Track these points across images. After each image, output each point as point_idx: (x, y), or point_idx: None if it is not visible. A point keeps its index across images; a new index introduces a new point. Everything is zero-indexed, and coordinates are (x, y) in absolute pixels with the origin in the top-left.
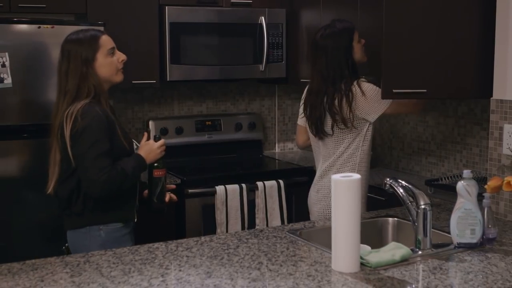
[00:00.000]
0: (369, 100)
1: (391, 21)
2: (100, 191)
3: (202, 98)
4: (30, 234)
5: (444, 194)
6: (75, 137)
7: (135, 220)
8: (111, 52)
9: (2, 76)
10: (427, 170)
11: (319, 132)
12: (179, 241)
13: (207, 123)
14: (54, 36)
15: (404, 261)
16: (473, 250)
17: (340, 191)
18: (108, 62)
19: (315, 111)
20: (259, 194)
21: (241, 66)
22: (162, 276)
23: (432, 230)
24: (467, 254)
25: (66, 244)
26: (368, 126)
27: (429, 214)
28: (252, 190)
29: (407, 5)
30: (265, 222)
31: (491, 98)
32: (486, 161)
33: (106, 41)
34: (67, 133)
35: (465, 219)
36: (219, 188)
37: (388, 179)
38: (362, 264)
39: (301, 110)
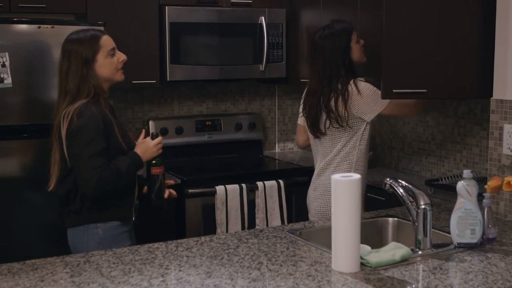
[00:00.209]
0: (365, 99)
1: (391, 21)
2: (94, 190)
3: (202, 98)
4: (30, 234)
5: (444, 194)
6: (71, 137)
7: (133, 218)
8: (112, 53)
9: (2, 76)
10: (427, 170)
11: (316, 131)
12: (179, 241)
13: (207, 123)
14: (54, 36)
15: (404, 261)
16: (473, 250)
17: (340, 191)
18: (108, 63)
19: (312, 111)
20: (259, 194)
21: (241, 66)
22: (162, 276)
23: (432, 230)
24: (467, 254)
25: None
26: (366, 126)
27: (429, 214)
28: (252, 190)
29: (407, 5)
30: (265, 222)
31: (491, 98)
32: (486, 161)
33: (106, 41)
34: (63, 132)
35: (465, 219)
36: (219, 188)
37: (388, 179)
38: (362, 264)
39: (301, 109)
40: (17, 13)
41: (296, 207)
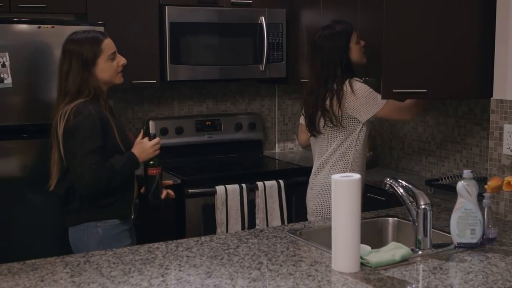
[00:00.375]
0: (359, 99)
1: (391, 21)
2: (87, 187)
3: (202, 98)
4: (30, 234)
5: (444, 194)
6: (67, 135)
7: (133, 216)
8: (112, 57)
9: (2, 76)
10: (427, 170)
11: (313, 129)
12: (179, 241)
13: (207, 123)
14: (54, 36)
15: (404, 261)
16: (473, 250)
17: (340, 191)
18: (109, 67)
19: (309, 110)
20: (259, 194)
21: (241, 66)
22: (162, 276)
23: (432, 230)
24: (467, 254)
25: None
26: (362, 127)
27: (429, 214)
28: (252, 190)
29: (407, 5)
30: (265, 222)
31: (491, 98)
32: (486, 161)
33: (108, 45)
34: (60, 131)
35: (465, 219)
36: (219, 188)
37: (388, 179)
38: (362, 264)
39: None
40: (17, 13)
41: (296, 207)
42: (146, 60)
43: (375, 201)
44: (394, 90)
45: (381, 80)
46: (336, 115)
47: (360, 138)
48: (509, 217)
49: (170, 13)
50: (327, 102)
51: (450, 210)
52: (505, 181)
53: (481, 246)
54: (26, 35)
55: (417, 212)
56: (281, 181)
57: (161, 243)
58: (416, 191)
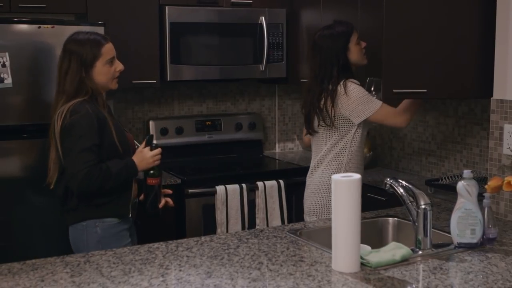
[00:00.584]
0: (352, 101)
1: (391, 21)
2: (79, 185)
3: (202, 98)
4: (30, 234)
5: (444, 194)
6: (63, 133)
7: (130, 215)
8: (110, 62)
9: (2, 76)
10: (427, 170)
11: (309, 128)
12: (179, 241)
13: (207, 123)
14: (54, 36)
15: (404, 261)
16: (473, 250)
17: (340, 191)
18: (106, 71)
19: (306, 108)
20: (259, 194)
21: (241, 66)
22: (162, 276)
23: (432, 230)
24: (467, 254)
25: None
26: (357, 129)
27: (429, 214)
28: (252, 190)
29: (407, 5)
30: (265, 222)
31: (491, 98)
32: (486, 161)
33: (108, 50)
34: (57, 130)
35: (466, 219)
36: (219, 188)
37: (388, 179)
38: (362, 264)
39: None
40: (17, 13)
41: (296, 207)
42: (146, 60)
43: (375, 201)
44: (394, 90)
45: (381, 80)
46: (330, 115)
47: (355, 140)
48: (509, 217)
49: (170, 13)
50: (322, 102)
51: (450, 210)
52: (505, 181)
53: (481, 246)
54: (26, 35)
55: (417, 212)
56: (281, 181)
57: (161, 243)
58: (416, 191)
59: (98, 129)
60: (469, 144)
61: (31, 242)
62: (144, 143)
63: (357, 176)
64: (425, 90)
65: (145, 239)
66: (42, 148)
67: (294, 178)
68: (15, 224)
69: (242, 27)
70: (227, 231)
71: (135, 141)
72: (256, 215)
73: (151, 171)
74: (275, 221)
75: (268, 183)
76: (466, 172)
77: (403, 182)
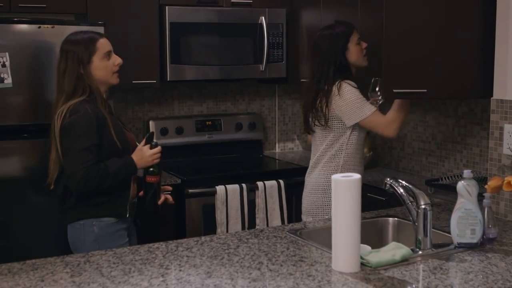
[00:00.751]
0: (345, 102)
1: (391, 21)
2: (77, 185)
3: (202, 98)
4: (30, 234)
5: (444, 194)
6: (62, 133)
7: (127, 215)
8: (107, 56)
9: (2, 76)
10: (427, 170)
11: (307, 126)
12: (179, 241)
13: (207, 123)
14: (54, 36)
15: (404, 261)
16: (473, 250)
17: (340, 191)
18: (104, 65)
19: (304, 107)
20: (259, 194)
21: (241, 66)
22: (162, 276)
23: (432, 230)
24: (467, 254)
25: None
26: (353, 131)
27: (429, 214)
28: (252, 190)
29: (407, 5)
30: (265, 222)
31: (491, 98)
32: (486, 161)
33: (103, 44)
34: (56, 129)
35: (466, 219)
36: (219, 188)
37: (388, 179)
38: (362, 264)
39: None
40: (17, 13)
41: (296, 207)
42: (146, 60)
43: (375, 201)
44: (394, 90)
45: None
46: (325, 115)
47: (352, 142)
48: (509, 217)
49: (170, 13)
50: (318, 102)
51: (450, 210)
52: (505, 181)
53: (481, 246)
54: (26, 35)
55: (417, 212)
56: (281, 181)
57: (161, 243)
58: (416, 191)
59: (97, 129)
60: (469, 144)
61: (31, 242)
62: (144, 141)
63: (357, 176)
64: (425, 90)
65: (145, 239)
66: (42, 148)
67: (294, 178)
68: (15, 224)
69: (242, 27)
70: (227, 231)
71: (136, 142)
72: (256, 215)
73: (151, 169)
74: (275, 221)
75: (268, 183)
76: (466, 172)
77: (403, 182)
